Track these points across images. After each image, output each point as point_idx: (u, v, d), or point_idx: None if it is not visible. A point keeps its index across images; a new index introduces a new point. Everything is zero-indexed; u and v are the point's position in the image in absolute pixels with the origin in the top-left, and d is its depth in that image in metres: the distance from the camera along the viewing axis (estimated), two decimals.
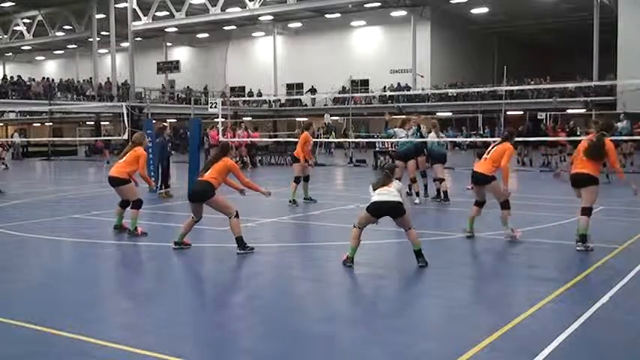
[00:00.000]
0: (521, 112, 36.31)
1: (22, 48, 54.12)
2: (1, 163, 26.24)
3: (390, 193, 7.21)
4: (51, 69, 61.82)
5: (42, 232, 10.22)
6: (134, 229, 9.53)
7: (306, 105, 49.03)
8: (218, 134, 20.33)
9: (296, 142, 13.95)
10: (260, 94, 50.03)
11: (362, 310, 5.91)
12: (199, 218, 8.29)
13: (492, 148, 9.04)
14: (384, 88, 44.89)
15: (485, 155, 9.05)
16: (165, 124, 20.10)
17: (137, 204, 9.64)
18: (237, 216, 8.06)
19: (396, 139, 13.61)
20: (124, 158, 9.73)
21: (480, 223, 10.88)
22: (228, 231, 8.62)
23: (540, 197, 13.70)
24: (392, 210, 7.19)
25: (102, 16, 43.09)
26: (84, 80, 45.00)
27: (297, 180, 13.03)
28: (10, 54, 60.53)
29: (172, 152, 16.72)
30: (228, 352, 4.92)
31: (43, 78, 41.41)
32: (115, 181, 9.65)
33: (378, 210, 7.25)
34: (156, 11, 41.47)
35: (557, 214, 11.05)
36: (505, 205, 8.78)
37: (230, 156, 8.69)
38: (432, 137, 13.50)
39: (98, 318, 5.67)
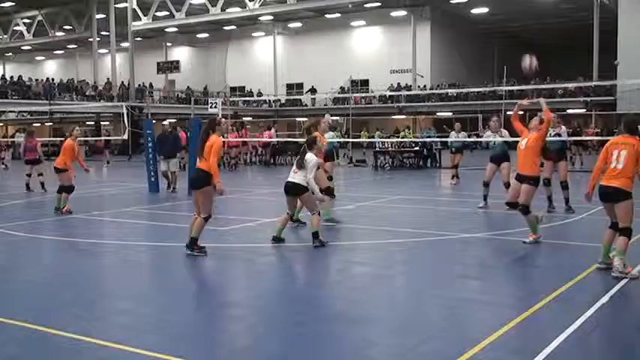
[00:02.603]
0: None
1: (22, 48, 54.10)
2: (0, 163, 26.25)
3: (294, 176, 8.46)
4: (51, 69, 61.79)
5: (42, 232, 10.22)
6: (62, 207, 11.80)
7: (306, 105, 49.03)
8: (185, 135, 20.23)
9: (295, 142, 13.91)
10: (260, 94, 50.05)
11: (362, 309, 5.91)
12: (205, 216, 7.98)
13: (619, 148, 6.86)
14: (390, 85, 44.92)
15: (614, 161, 6.81)
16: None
17: (68, 189, 11.89)
18: (207, 219, 7.95)
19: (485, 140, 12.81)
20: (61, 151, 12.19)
21: (479, 222, 10.90)
22: (229, 231, 8.64)
23: (539, 197, 13.67)
24: (290, 189, 8.48)
25: (102, 16, 43.08)
26: (83, 80, 44.99)
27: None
28: (10, 54, 60.52)
29: None
30: (228, 352, 4.92)
31: (48, 79, 41.25)
32: (55, 170, 12.12)
33: (285, 189, 8.59)
34: (156, 11, 41.45)
35: (556, 214, 11.05)
36: (627, 231, 6.77)
37: (220, 132, 8.18)
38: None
39: (98, 318, 5.67)
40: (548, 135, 11.37)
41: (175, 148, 16.37)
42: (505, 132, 12.31)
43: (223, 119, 8.89)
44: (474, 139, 22.43)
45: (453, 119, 41.58)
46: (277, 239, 8.65)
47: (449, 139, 18.20)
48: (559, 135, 11.62)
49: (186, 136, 20.40)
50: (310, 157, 8.52)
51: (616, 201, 6.80)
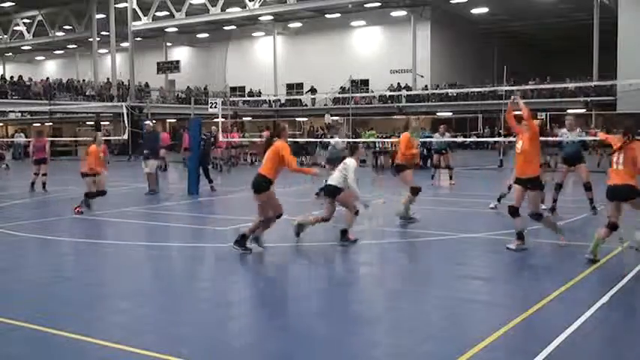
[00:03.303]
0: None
1: (22, 48, 54.07)
2: (1, 163, 26.22)
3: (332, 179, 8.73)
4: (51, 69, 61.78)
5: (42, 232, 10.22)
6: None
7: (306, 105, 49.02)
8: (169, 135, 20.21)
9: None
10: (260, 94, 50.05)
11: (362, 310, 5.91)
12: (276, 215, 8.25)
13: (619, 150, 7.26)
14: (390, 85, 44.86)
15: (614, 162, 7.30)
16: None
17: (101, 194, 12.40)
18: (277, 217, 8.21)
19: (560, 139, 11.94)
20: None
21: (479, 222, 10.90)
22: (229, 231, 8.64)
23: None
24: (329, 192, 8.68)
25: (102, 16, 43.06)
26: (83, 80, 44.96)
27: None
28: (10, 54, 60.49)
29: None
30: (228, 352, 4.92)
31: (48, 79, 41.21)
32: (82, 175, 12.50)
33: (324, 191, 8.93)
34: (156, 11, 41.44)
35: (556, 215, 11.04)
36: None
37: (285, 138, 8.41)
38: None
39: (98, 318, 5.68)
40: (566, 136, 11.31)
41: (153, 149, 15.54)
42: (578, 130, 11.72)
43: (286, 125, 8.97)
44: (473, 139, 22.53)
45: (453, 119, 41.75)
46: (299, 229, 8.85)
47: (433, 139, 18.67)
48: (579, 135, 11.33)
49: (170, 136, 20.33)
50: (349, 161, 8.76)
51: (625, 200, 7.31)
